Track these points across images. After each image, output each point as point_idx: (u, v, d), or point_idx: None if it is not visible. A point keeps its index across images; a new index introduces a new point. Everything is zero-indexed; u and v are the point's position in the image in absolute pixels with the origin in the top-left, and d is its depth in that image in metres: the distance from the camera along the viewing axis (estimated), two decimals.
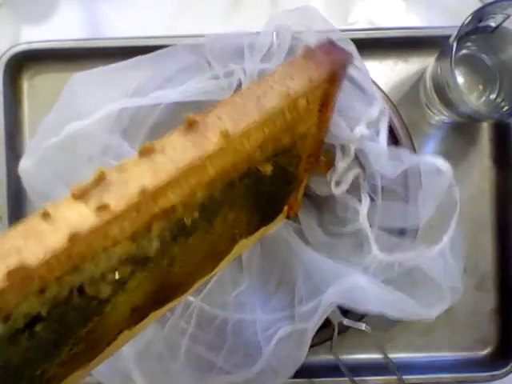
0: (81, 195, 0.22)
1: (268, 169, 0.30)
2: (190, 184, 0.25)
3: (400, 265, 0.37)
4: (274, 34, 0.36)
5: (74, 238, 0.20)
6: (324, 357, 0.44)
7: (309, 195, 0.40)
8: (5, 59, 0.44)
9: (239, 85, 0.37)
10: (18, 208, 0.45)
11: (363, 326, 0.39)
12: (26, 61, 0.46)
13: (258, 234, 0.37)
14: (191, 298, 0.39)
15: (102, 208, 0.21)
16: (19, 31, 0.47)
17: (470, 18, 0.37)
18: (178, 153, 0.24)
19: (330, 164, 0.37)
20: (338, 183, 0.37)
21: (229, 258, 0.36)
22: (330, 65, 0.28)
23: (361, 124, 0.34)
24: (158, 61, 0.37)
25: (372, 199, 0.37)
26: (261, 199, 0.33)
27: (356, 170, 0.37)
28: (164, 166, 0.23)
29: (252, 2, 0.46)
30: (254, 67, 0.37)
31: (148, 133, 0.39)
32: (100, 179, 0.22)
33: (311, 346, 0.37)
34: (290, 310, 0.38)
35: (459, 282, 0.36)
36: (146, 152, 0.23)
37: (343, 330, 0.40)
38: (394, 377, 0.42)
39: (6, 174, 0.44)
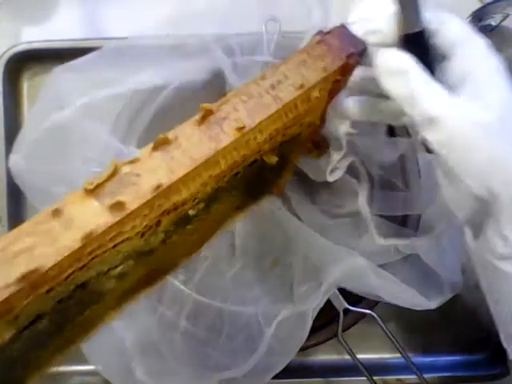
0: (94, 190, 0.21)
1: (273, 159, 0.30)
2: (202, 178, 0.24)
3: (397, 251, 0.37)
4: (264, 25, 0.36)
5: (87, 238, 0.20)
6: (327, 356, 0.45)
7: (301, 174, 0.40)
8: (5, 59, 0.44)
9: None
10: (17, 208, 0.45)
11: (368, 311, 0.39)
12: (26, 61, 0.46)
13: (244, 211, 0.37)
14: (184, 287, 0.39)
15: (117, 206, 0.20)
16: (19, 31, 0.47)
17: (470, 18, 0.37)
18: (193, 145, 0.23)
19: (322, 148, 0.37)
20: (332, 170, 0.37)
21: (215, 236, 0.36)
22: (345, 54, 0.27)
23: (345, 123, 0.34)
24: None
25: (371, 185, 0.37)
26: (256, 183, 0.33)
27: (350, 158, 0.37)
28: (179, 160, 0.22)
29: (251, 2, 0.46)
30: (244, 59, 0.37)
31: (148, 123, 0.39)
32: (114, 174, 0.21)
33: (314, 345, 0.37)
34: (289, 290, 0.38)
35: (459, 275, 0.36)
36: (160, 144, 0.22)
37: (346, 328, 0.40)
38: (393, 377, 0.42)
39: (5, 174, 0.44)
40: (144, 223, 0.23)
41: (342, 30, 0.28)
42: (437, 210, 0.36)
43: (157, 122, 0.39)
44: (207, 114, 0.24)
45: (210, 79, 0.37)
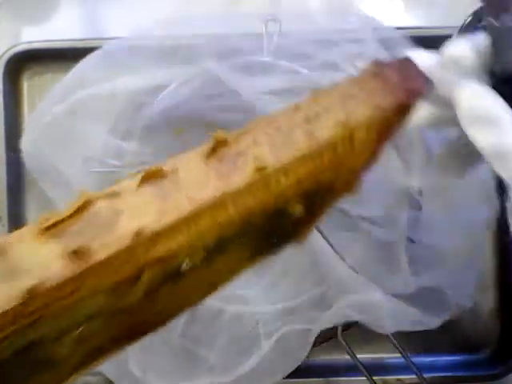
0: (51, 229, 0.16)
1: (299, 210, 0.24)
2: (202, 225, 0.19)
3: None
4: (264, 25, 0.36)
5: (33, 293, 0.15)
6: (327, 356, 0.45)
7: None
8: (5, 59, 0.44)
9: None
10: (17, 208, 0.45)
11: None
12: (26, 61, 0.46)
13: (257, 262, 0.31)
14: None
15: (81, 252, 0.16)
16: (19, 31, 0.47)
17: (470, 18, 0.37)
18: (195, 183, 0.18)
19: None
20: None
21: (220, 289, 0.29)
22: (405, 92, 0.22)
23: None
24: None
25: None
26: (272, 231, 0.27)
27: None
28: (174, 199, 0.18)
29: (251, 2, 0.46)
30: (244, 60, 0.36)
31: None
32: (83, 209, 0.17)
33: (314, 345, 0.37)
34: (295, 304, 0.38)
35: (470, 299, 0.37)
36: (151, 176, 0.18)
37: (346, 328, 0.40)
38: (393, 377, 0.42)
39: (5, 174, 0.44)
40: (116, 277, 0.18)
41: (406, 64, 0.23)
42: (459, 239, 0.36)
43: (158, 121, 0.39)
44: (219, 145, 0.19)
45: (207, 81, 0.37)
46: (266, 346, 0.36)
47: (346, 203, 0.37)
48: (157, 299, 0.22)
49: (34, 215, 0.45)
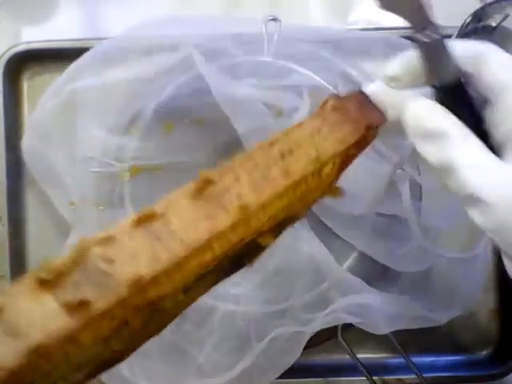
0: (50, 282, 0.16)
1: (270, 241, 0.24)
2: (190, 267, 0.19)
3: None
4: (264, 25, 0.36)
5: (33, 354, 0.15)
6: (327, 356, 0.45)
7: None
8: (5, 59, 0.44)
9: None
10: (17, 208, 0.45)
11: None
12: (26, 61, 0.46)
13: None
14: None
15: (80, 306, 0.16)
16: (19, 31, 0.47)
17: (470, 18, 0.37)
18: (185, 225, 0.19)
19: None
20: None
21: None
22: (364, 125, 0.23)
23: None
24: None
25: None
26: (241, 259, 0.27)
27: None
28: (167, 243, 0.18)
29: (251, 3, 0.46)
30: (244, 60, 0.37)
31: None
32: (79, 259, 0.17)
33: (314, 345, 0.37)
34: (287, 305, 0.37)
35: (478, 290, 0.36)
36: (143, 220, 0.18)
37: (346, 328, 0.40)
38: (393, 376, 0.42)
39: (5, 174, 0.44)
40: (110, 326, 0.17)
41: (360, 97, 0.24)
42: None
43: (151, 118, 0.39)
44: (205, 184, 0.20)
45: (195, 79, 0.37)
46: (258, 347, 0.36)
47: (333, 202, 0.37)
48: (139, 334, 0.22)
49: (34, 215, 0.45)
